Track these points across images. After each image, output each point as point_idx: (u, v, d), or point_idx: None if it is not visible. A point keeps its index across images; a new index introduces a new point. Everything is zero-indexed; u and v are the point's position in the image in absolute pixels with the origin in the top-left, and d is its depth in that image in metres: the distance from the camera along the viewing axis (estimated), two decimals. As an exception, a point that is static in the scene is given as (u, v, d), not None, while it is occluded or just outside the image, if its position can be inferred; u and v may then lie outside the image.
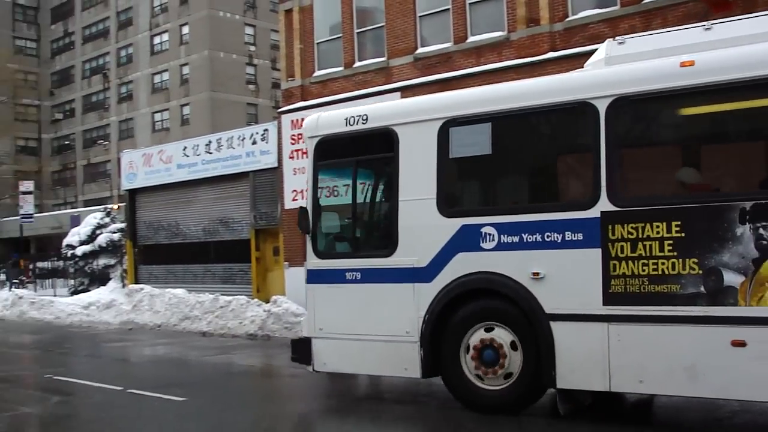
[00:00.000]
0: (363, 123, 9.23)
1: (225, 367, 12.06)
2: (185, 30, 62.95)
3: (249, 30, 63.82)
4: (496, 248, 8.18)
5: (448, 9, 22.10)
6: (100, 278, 31.48)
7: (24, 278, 41.17)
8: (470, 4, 21.72)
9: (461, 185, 9.18)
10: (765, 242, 6.91)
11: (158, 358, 14.96)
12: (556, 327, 7.83)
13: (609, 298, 7.54)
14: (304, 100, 24.73)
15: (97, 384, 11.32)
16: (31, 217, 38.19)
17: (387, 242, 8.93)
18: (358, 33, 24.32)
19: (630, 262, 7.45)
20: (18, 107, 71.97)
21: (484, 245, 8.26)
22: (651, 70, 7.69)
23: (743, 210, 6.97)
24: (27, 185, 39.16)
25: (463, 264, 8.39)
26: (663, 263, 7.33)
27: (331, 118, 9.60)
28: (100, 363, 14.43)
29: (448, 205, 8.59)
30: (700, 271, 7.16)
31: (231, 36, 62.34)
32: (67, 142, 73.79)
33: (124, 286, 27.94)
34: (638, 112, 7.78)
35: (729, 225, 7.04)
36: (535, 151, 8.79)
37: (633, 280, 7.45)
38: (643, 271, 7.40)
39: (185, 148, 27.46)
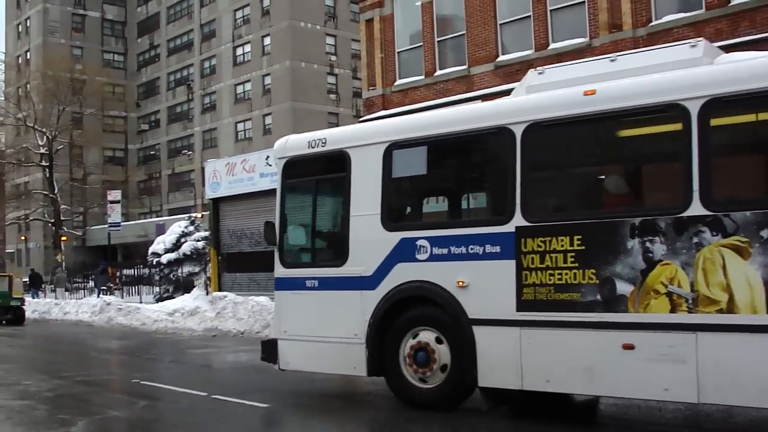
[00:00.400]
0: (322, 146, 10.36)
1: (307, 374, 12.20)
2: (267, 41, 64.04)
3: (330, 40, 64.55)
4: (429, 259, 9.19)
5: (529, 16, 21.97)
6: (185, 286, 32.12)
7: (111, 285, 42.33)
8: (552, 10, 21.56)
9: (401, 202, 10.22)
10: (651, 255, 7.78)
11: (241, 364, 15.19)
12: (478, 331, 8.81)
13: (521, 305, 8.45)
14: (386, 109, 24.86)
15: (183, 389, 11.55)
16: (118, 226, 39.26)
17: (340, 253, 9.99)
18: (438, 41, 24.37)
19: (539, 272, 8.36)
20: (106, 119, 74.32)
21: (419, 256, 9.30)
22: (559, 98, 8.55)
23: (633, 226, 7.86)
24: (115, 195, 40.30)
25: (401, 273, 9.42)
26: (566, 273, 8.21)
27: (297, 141, 10.75)
28: (184, 369, 14.75)
29: (390, 220, 9.62)
30: (597, 281, 8.04)
31: (312, 46, 63.15)
32: (152, 152, 75.81)
33: (207, 293, 28.43)
34: (548, 137, 8.62)
35: (621, 239, 7.91)
36: (461, 171, 10.02)
37: (541, 288, 8.34)
38: (550, 280, 8.30)
39: (268, 157, 27.88)
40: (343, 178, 10.09)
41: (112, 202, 39.46)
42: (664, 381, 7.69)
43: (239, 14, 66.96)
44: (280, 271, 10.67)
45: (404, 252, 9.43)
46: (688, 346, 7.56)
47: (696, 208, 7.53)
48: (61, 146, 61.73)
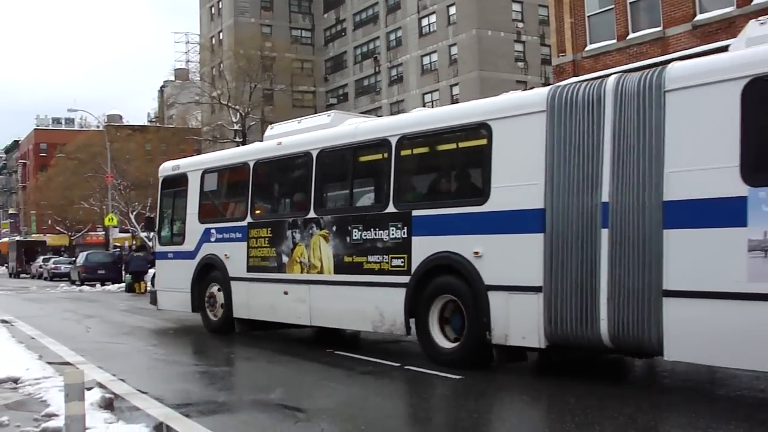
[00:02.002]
0: (177, 169, 17.75)
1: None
2: (452, 10, 64.21)
3: (516, 6, 63.86)
4: (217, 240, 16.04)
5: (732, -30, 20.99)
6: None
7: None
8: (757, -38, 20.50)
9: (207, 207, 16.80)
10: (296, 239, 13.86)
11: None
12: (234, 285, 15.54)
13: (248, 269, 15.13)
14: (577, 76, 24.52)
15: (375, 359, 12.14)
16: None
17: (182, 237, 17.24)
18: (631, 3, 23.72)
19: (255, 249, 14.89)
20: (295, 94, 77.15)
21: (212, 239, 16.20)
22: (266, 147, 15.50)
23: (291, 222, 14.07)
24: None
25: (206, 249, 16.34)
26: (265, 250, 14.66)
27: (168, 165, 18.38)
28: (376, 337, 15.39)
29: (201, 217, 16.72)
30: (275, 255, 14.42)
31: (498, 14, 62.73)
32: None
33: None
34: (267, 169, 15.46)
35: (284, 230, 14.20)
36: (231, 189, 16.78)
37: (255, 259, 14.89)
38: (259, 254, 14.84)
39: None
40: (185, 190, 17.19)
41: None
42: (300, 313, 13.85)
43: (424, -16, 67.53)
44: (157, 247, 18.54)
45: (208, 236, 16.34)
46: (306, 292, 13.70)
47: (311, 214, 13.69)
48: (254, 122, 64.57)
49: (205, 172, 16.75)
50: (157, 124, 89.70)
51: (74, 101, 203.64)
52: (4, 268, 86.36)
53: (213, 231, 16.24)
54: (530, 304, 10.12)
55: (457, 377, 10.41)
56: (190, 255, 16.77)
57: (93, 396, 8.61)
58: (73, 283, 47.31)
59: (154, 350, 14.43)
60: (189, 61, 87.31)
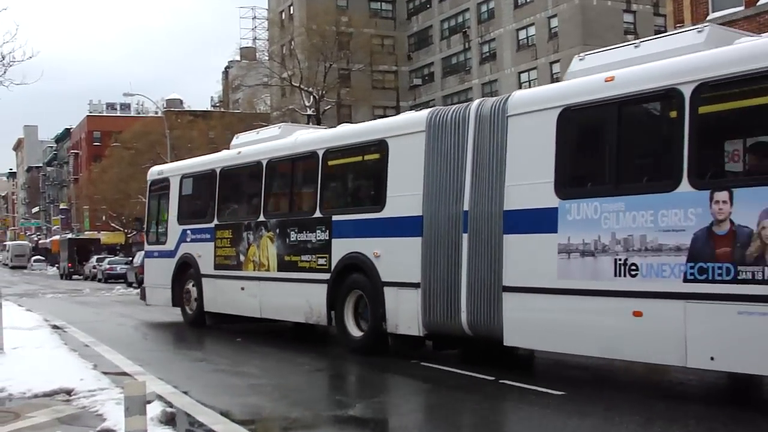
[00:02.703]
0: (160, 174, 22.11)
1: (605, 362, 12.31)
2: (553, -24, 63.57)
3: (627, -30, 62.87)
4: (192, 241, 20.06)
5: None
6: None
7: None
8: None
9: (185, 210, 20.89)
10: (250, 240, 17.81)
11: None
12: (204, 281, 19.57)
13: (215, 267, 19.03)
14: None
15: (465, 371, 12.19)
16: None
17: (164, 238, 21.29)
18: (763, -37, 23.12)
19: (220, 248, 18.86)
20: (375, 74, 77.30)
21: (188, 240, 20.19)
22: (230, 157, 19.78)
23: (246, 225, 17.95)
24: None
25: (183, 249, 20.37)
26: (228, 250, 18.52)
27: (155, 169, 22.90)
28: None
29: (179, 218, 20.68)
30: (235, 254, 18.29)
31: (606, -21, 61.84)
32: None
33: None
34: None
35: (241, 232, 18.10)
36: (204, 194, 20.55)
37: (220, 257, 18.83)
38: (223, 253, 18.73)
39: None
40: (168, 194, 21.37)
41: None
42: (253, 306, 17.61)
43: (520, -53, 66.93)
44: (146, 246, 23.01)
45: (184, 237, 20.45)
46: (257, 287, 17.39)
47: (261, 217, 17.68)
48: (329, 106, 65.09)
49: (183, 177, 21.32)
50: (222, 109, 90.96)
51: (130, 85, 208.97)
52: (54, 268, 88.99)
53: (188, 232, 20.64)
54: (412, 298, 13.54)
55: (558, 393, 10.43)
56: (170, 254, 21.21)
57: (153, 410, 8.79)
58: (129, 285, 48.32)
59: (219, 360, 14.68)
60: (256, 39, 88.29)
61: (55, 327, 20.67)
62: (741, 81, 9.64)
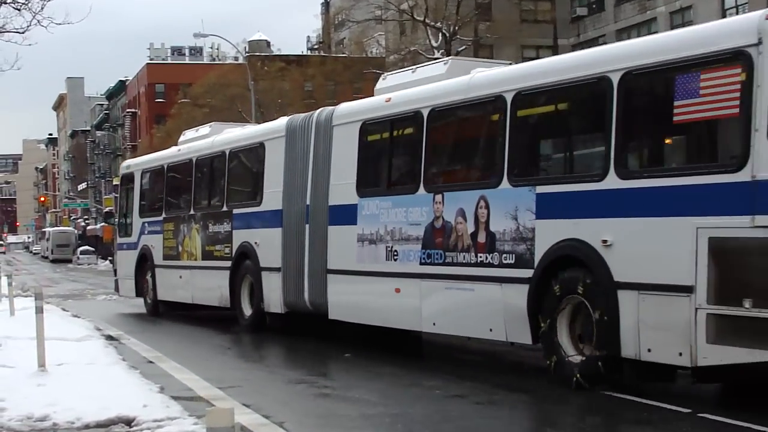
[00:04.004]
0: (127, 169, 31.73)
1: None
2: None
3: None
4: (148, 233, 28.59)
5: None
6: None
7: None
8: None
9: (143, 203, 29.55)
10: (185, 231, 26.39)
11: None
12: (157, 271, 28.12)
13: (164, 258, 27.56)
14: None
15: (651, 401, 12.28)
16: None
17: (130, 230, 30.15)
18: None
19: (167, 240, 27.50)
20: (524, 4, 76.47)
21: (146, 232, 28.79)
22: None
23: (183, 218, 26.58)
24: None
25: (143, 240, 28.97)
26: (171, 242, 27.18)
27: (125, 163, 33.60)
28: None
29: (140, 212, 29.47)
30: (175, 244, 26.91)
31: None
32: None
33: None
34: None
35: (181, 224, 26.70)
36: (154, 186, 29.56)
37: (167, 249, 27.42)
38: (167, 244, 27.36)
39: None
40: (133, 187, 30.07)
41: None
42: (188, 294, 26.14)
43: None
44: (116, 239, 32.18)
45: (143, 229, 28.84)
46: (189, 276, 25.86)
47: (191, 211, 26.19)
48: (463, 47, 64.64)
49: (143, 171, 29.81)
50: (321, 53, 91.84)
51: (202, 24, 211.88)
52: (107, 262, 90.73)
53: (146, 224, 28.89)
54: (276, 281, 21.09)
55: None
56: (134, 246, 29.51)
57: (239, 446, 8.86)
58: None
59: (322, 382, 14.95)
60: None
61: (109, 338, 21.27)
62: (461, 107, 16.72)
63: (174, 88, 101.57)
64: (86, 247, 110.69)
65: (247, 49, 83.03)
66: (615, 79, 13.30)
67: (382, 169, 18.70)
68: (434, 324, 16.36)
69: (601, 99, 13.60)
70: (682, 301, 11.99)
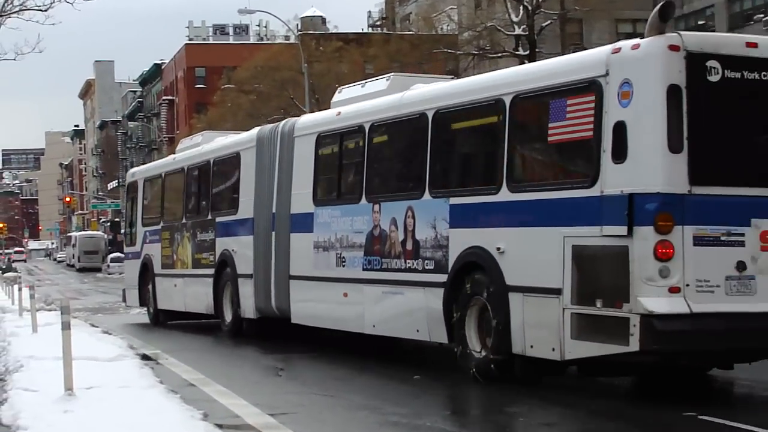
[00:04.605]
0: (132, 177, 36.92)
1: None
2: None
3: None
4: (150, 242, 33.47)
5: None
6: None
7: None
8: None
9: (146, 212, 34.14)
10: (178, 240, 30.59)
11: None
12: (156, 280, 32.39)
13: (162, 266, 31.94)
14: None
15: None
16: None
17: (134, 239, 35.06)
18: None
19: (164, 249, 31.83)
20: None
21: (148, 241, 33.43)
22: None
23: (176, 226, 30.98)
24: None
25: (146, 249, 33.53)
26: (166, 250, 31.75)
27: (130, 171, 42.91)
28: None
29: (143, 221, 34.12)
30: (170, 253, 31.38)
31: None
32: (700, 22, 76.14)
33: None
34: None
35: (175, 232, 30.96)
36: (155, 194, 34.44)
37: (165, 258, 31.70)
38: (165, 253, 31.81)
39: None
40: (137, 196, 34.94)
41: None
42: (180, 302, 30.46)
43: None
44: (124, 248, 38.73)
45: (145, 238, 33.43)
46: (183, 284, 30.15)
47: (183, 220, 30.70)
48: (548, 22, 64.28)
49: (146, 180, 34.12)
50: (385, 31, 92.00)
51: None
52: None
53: (147, 233, 33.11)
54: (249, 287, 24.79)
55: None
56: (137, 255, 33.94)
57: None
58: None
59: (388, 408, 14.94)
60: None
61: (145, 357, 21.36)
62: (395, 123, 20.21)
63: (216, 72, 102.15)
64: (118, 254, 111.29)
65: (299, 27, 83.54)
66: (507, 101, 16.83)
67: (334, 179, 22.68)
68: (374, 326, 20.20)
69: (498, 118, 17.12)
70: (553, 302, 15.33)
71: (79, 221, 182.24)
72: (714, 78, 14.72)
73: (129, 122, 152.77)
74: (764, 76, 15.10)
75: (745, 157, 15.24)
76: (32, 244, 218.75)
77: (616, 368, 15.95)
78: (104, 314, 39.73)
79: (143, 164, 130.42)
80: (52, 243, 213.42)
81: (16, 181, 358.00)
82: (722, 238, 14.50)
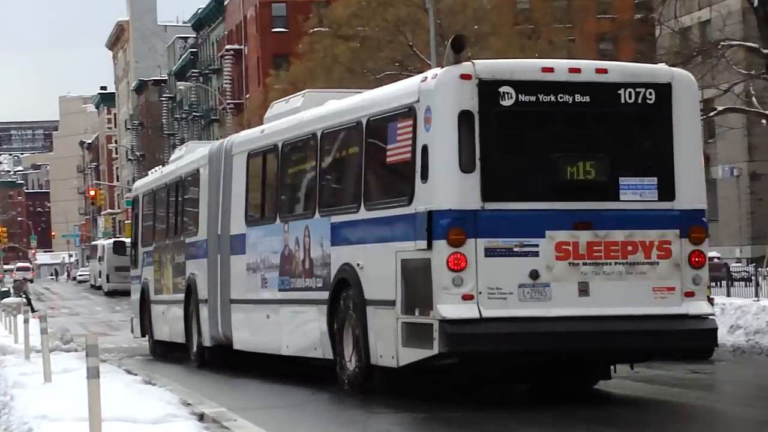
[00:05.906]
0: (135, 191, 51.30)
1: None
2: None
3: None
4: (146, 264, 44.95)
5: None
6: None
7: None
8: None
9: (143, 231, 46.08)
10: (164, 263, 42.26)
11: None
12: (152, 307, 43.86)
13: (155, 292, 42.92)
14: None
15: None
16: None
17: (138, 260, 46.31)
18: None
19: (156, 272, 43.28)
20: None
21: (145, 264, 45.01)
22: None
23: (165, 246, 42.52)
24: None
25: (144, 273, 45.61)
26: (156, 273, 43.70)
27: (135, 185, 67.11)
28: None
29: (141, 242, 45.88)
30: (160, 277, 43.22)
31: None
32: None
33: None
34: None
35: (166, 253, 42.10)
36: (150, 211, 45.77)
37: (156, 283, 42.83)
38: (156, 276, 43.39)
39: None
40: (138, 213, 46.97)
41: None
42: (167, 332, 41.04)
43: None
44: (131, 272, 49.53)
45: (143, 260, 45.20)
46: (166, 311, 41.24)
47: (174, 239, 41.43)
48: None
49: (143, 195, 43.19)
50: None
51: None
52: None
53: (144, 255, 42.30)
54: (205, 313, 34.15)
55: None
56: (138, 279, 43.41)
57: None
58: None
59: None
60: None
61: (202, 418, 21.50)
62: (300, 142, 28.68)
63: (302, 9, 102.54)
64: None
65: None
66: (364, 123, 23.95)
67: (259, 199, 30.24)
68: (287, 347, 27.85)
69: (359, 139, 24.36)
70: (391, 313, 22.14)
71: (107, 224, 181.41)
72: (507, 102, 21.44)
73: (178, 83, 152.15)
74: (560, 98, 21.68)
75: (540, 174, 21.67)
76: (42, 257, 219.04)
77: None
78: (145, 356, 40.37)
79: (201, 139, 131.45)
80: (70, 255, 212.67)
81: (19, 168, 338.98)
82: (515, 249, 21.26)
